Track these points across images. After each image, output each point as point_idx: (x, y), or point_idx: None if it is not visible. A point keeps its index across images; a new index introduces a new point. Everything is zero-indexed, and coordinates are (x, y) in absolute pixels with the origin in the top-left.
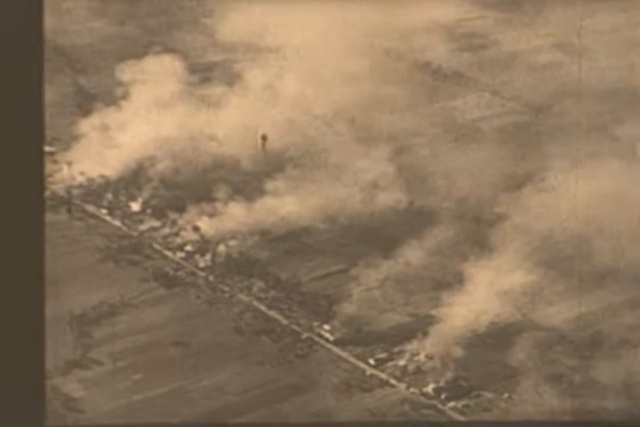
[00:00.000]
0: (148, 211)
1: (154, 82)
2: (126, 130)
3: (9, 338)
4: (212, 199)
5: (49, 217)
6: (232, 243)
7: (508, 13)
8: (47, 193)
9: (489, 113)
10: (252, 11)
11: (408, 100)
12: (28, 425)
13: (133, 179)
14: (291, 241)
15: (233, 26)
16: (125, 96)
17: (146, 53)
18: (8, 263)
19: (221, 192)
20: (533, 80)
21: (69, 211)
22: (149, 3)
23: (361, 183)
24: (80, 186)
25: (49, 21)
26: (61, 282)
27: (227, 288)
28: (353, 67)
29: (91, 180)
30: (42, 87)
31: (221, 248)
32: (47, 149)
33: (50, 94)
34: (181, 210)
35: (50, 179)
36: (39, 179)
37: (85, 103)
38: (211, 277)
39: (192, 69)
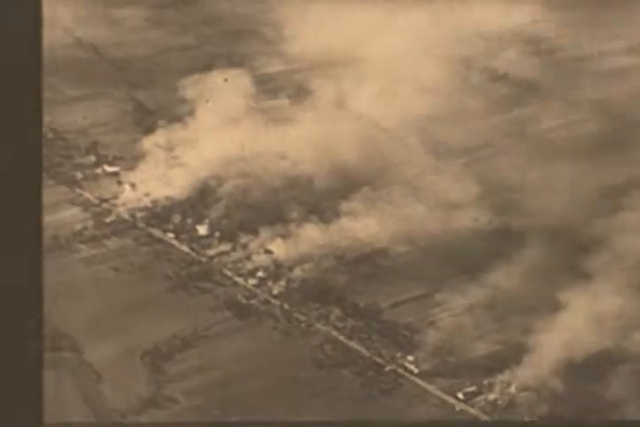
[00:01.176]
0: (217, 234)
1: (220, 97)
2: (192, 148)
3: (9, 337)
4: (285, 220)
5: (115, 242)
6: (306, 267)
7: (578, 17)
8: (111, 217)
9: (563, 122)
10: (318, 20)
11: (481, 110)
12: (27, 423)
13: (200, 200)
14: (367, 264)
15: (296, 36)
16: (190, 112)
17: (209, 66)
18: None
19: (295, 213)
20: (608, 85)
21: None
22: (204, 11)
23: (438, 201)
24: (145, 208)
25: (103, 32)
26: (131, 313)
27: (303, 317)
28: (426, 78)
29: (155, 201)
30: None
31: (295, 273)
32: (109, 169)
33: (107, 110)
34: (252, 232)
35: (113, 201)
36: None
37: (145, 120)
38: (286, 306)
39: (259, 84)
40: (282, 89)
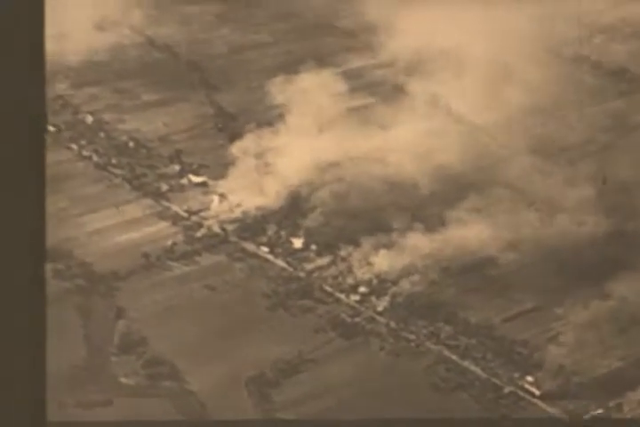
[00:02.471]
0: (313, 247)
1: (310, 100)
2: (283, 154)
3: (9, 335)
4: (386, 229)
5: (207, 258)
6: (411, 280)
7: None
8: (202, 231)
9: None
10: (411, 15)
11: (579, 104)
12: (30, 420)
13: (294, 209)
14: (476, 275)
15: (385, 31)
16: (278, 116)
17: (289, 66)
18: None
19: (398, 221)
20: None
21: None
22: (275, 5)
23: (546, 204)
24: (236, 220)
25: (174, 31)
26: (230, 336)
27: (411, 336)
28: (526, 74)
29: (247, 212)
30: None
31: (400, 287)
32: (195, 178)
33: (186, 115)
34: (352, 243)
35: (203, 213)
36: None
37: (228, 125)
38: (392, 324)
39: (350, 84)
40: (375, 89)
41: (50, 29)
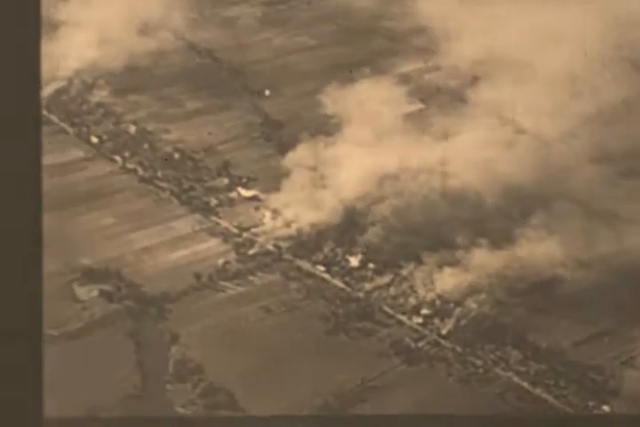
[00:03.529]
0: (371, 265)
1: (366, 108)
2: (339, 165)
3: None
4: (450, 246)
5: (261, 278)
6: (476, 301)
7: None
8: (254, 248)
9: None
10: (465, 16)
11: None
12: (27, 416)
13: (350, 225)
14: (543, 294)
15: (439, 34)
16: (334, 125)
17: (337, 71)
18: None
19: (461, 237)
20: None
21: None
22: (318, 6)
23: (618, 220)
24: (289, 237)
25: (215, 35)
26: (289, 362)
27: (479, 361)
28: (592, 82)
29: (300, 229)
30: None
31: (464, 309)
32: (245, 192)
33: (232, 124)
34: (412, 261)
35: (254, 230)
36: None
37: (275, 134)
38: (458, 348)
39: (407, 92)
40: (433, 97)
41: (91, 34)
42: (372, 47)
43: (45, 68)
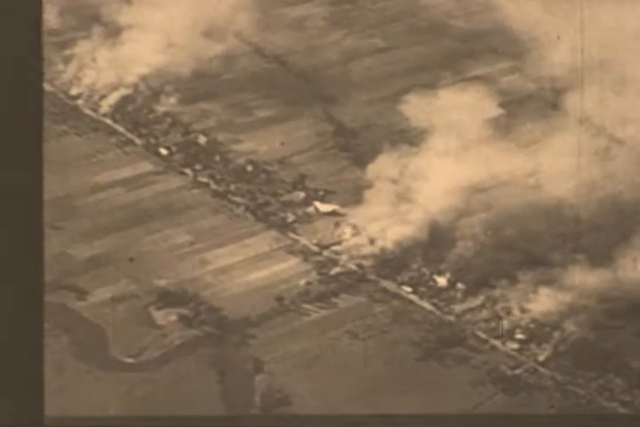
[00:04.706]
0: (460, 285)
1: (449, 116)
2: (423, 178)
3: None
4: (545, 264)
5: (345, 300)
6: (576, 324)
7: None
8: (337, 268)
9: None
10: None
11: None
12: (27, 415)
13: (437, 242)
14: None
15: (510, 33)
16: (416, 134)
17: (414, 74)
18: None
19: (558, 253)
20: None
21: None
22: (388, 4)
23: None
24: (372, 255)
25: (282, 37)
26: (380, 392)
27: (581, 391)
28: None
29: (384, 246)
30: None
31: (563, 332)
32: (323, 207)
33: (304, 133)
34: (504, 281)
35: (335, 248)
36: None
37: (350, 143)
38: (558, 376)
39: (493, 99)
40: (522, 105)
41: (157, 38)
42: (446, 49)
43: (110, 74)
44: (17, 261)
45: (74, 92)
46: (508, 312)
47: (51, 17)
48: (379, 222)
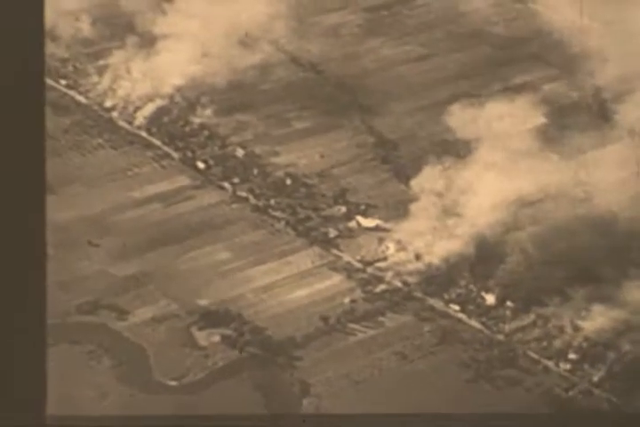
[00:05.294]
0: (509, 303)
1: (496, 127)
2: (470, 191)
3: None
4: (597, 280)
5: (392, 319)
6: (630, 342)
7: None
8: (382, 285)
9: None
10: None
11: None
12: (29, 414)
13: (485, 257)
14: None
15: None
16: (460, 145)
17: (455, 83)
18: None
19: (611, 269)
20: None
21: None
22: (424, 11)
23: None
24: (418, 272)
25: (317, 45)
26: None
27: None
28: None
29: (429, 262)
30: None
31: (616, 352)
32: (365, 221)
33: (343, 145)
34: (556, 298)
35: (379, 264)
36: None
37: (391, 155)
38: (613, 399)
39: (540, 109)
40: (571, 116)
41: (192, 48)
42: (486, 56)
43: (145, 85)
44: (18, 258)
45: (108, 103)
46: (561, 331)
47: (84, 26)
48: (424, 237)
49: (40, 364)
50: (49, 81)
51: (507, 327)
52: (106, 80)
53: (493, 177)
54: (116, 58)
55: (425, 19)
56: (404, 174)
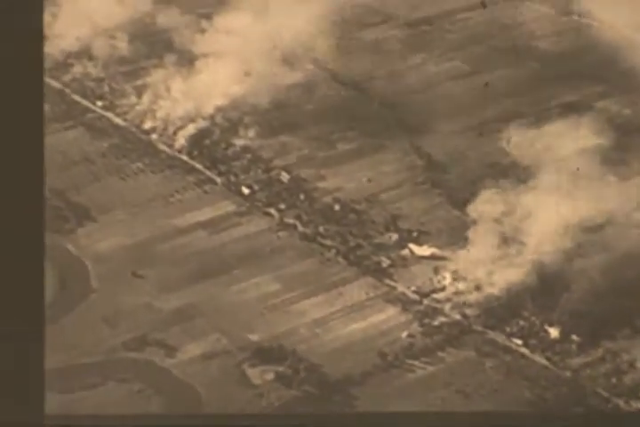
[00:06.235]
0: (574, 337)
1: (552, 148)
2: (532, 217)
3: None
4: None
5: (452, 354)
6: None
7: None
8: (439, 318)
9: None
10: None
11: None
12: (28, 414)
13: (548, 288)
14: None
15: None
16: (517, 169)
17: (503, 101)
18: None
19: None
20: None
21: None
22: (466, 26)
23: None
24: (477, 304)
25: (359, 62)
26: None
27: None
28: None
29: (490, 293)
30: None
31: None
32: (419, 250)
33: (391, 168)
34: (626, 330)
35: (436, 295)
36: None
37: (442, 178)
38: None
39: (602, 128)
40: (630, 133)
41: (233, 67)
42: (533, 72)
43: (186, 105)
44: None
45: (147, 125)
46: (631, 366)
47: (121, 44)
48: (483, 267)
49: (40, 364)
50: (85, 102)
51: (572, 363)
52: (144, 100)
53: (554, 202)
54: (155, 77)
55: (467, 33)
56: (458, 199)
